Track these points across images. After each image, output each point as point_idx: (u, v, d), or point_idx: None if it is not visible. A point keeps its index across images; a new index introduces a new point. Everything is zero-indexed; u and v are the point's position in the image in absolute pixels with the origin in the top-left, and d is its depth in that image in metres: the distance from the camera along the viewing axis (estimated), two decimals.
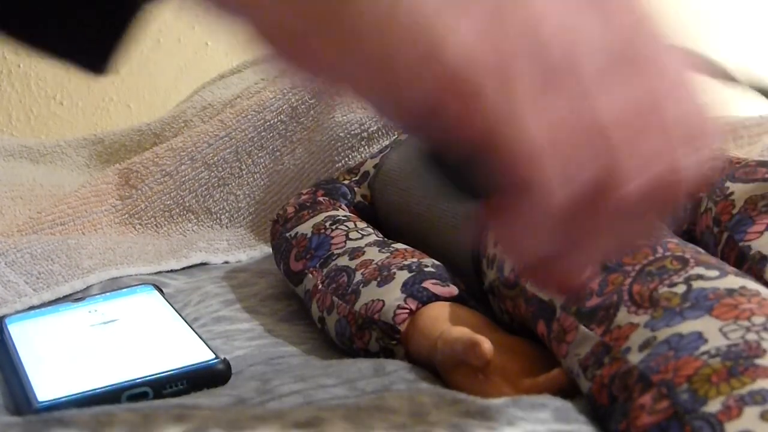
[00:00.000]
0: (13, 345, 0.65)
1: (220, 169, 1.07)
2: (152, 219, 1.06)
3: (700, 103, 0.28)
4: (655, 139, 0.27)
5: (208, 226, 1.06)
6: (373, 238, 0.76)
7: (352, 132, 1.00)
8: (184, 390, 0.58)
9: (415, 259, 0.69)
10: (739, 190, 0.59)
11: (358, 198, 0.89)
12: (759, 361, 0.41)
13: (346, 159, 1.01)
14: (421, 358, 0.61)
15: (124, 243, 0.97)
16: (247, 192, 1.08)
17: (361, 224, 0.79)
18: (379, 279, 0.67)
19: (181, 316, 0.69)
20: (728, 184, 0.61)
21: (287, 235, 0.80)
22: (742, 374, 0.41)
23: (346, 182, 0.91)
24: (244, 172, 1.08)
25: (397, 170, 0.86)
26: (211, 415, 0.43)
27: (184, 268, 0.93)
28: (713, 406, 0.40)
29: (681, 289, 0.48)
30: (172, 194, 1.06)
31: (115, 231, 1.03)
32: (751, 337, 0.43)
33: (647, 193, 0.27)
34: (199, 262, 0.94)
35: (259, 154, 1.08)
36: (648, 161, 0.27)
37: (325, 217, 0.80)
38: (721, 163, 0.28)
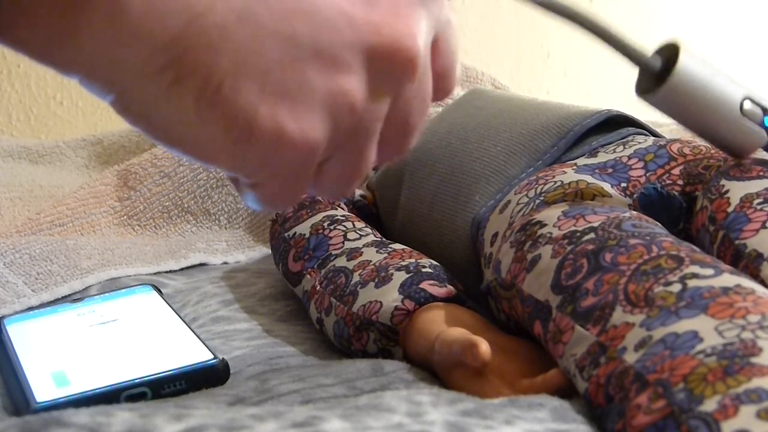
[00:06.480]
0: (12, 346, 0.65)
1: (218, 170, 1.07)
2: (151, 220, 1.06)
3: None
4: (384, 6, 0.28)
5: (207, 227, 1.06)
6: (371, 238, 0.76)
7: None
8: (182, 390, 0.58)
9: (412, 260, 0.69)
10: (734, 187, 0.59)
11: (357, 197, 0.89)
12: (755, 360, 0.41)
13: None
14: (419, 358, 0.61)
15: (123, 244, 0.97)
16: None
17: (360, 224, 0.79)
18: (376, 280, 0.67)
19: (179, 316, 0.69)
20: (723, 181, 0.61)
21: (286, 235, 0.80)
22: (738, 373, 0.41)
23: None
24: None
25: (398, 169, 0.86)
26: (209, 415, 0.43)
27: (182, 269, 0.93)
28: (709, 405, 0.40)
29: (676, 288, 0.48)
30: (170, 195, 1.06)
31: (113, 232, 1.03)
32: (747, 335, 0.43)
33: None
34: (197, 262, 0.94)
35: None
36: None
37: (324, 217, 0.80)
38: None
